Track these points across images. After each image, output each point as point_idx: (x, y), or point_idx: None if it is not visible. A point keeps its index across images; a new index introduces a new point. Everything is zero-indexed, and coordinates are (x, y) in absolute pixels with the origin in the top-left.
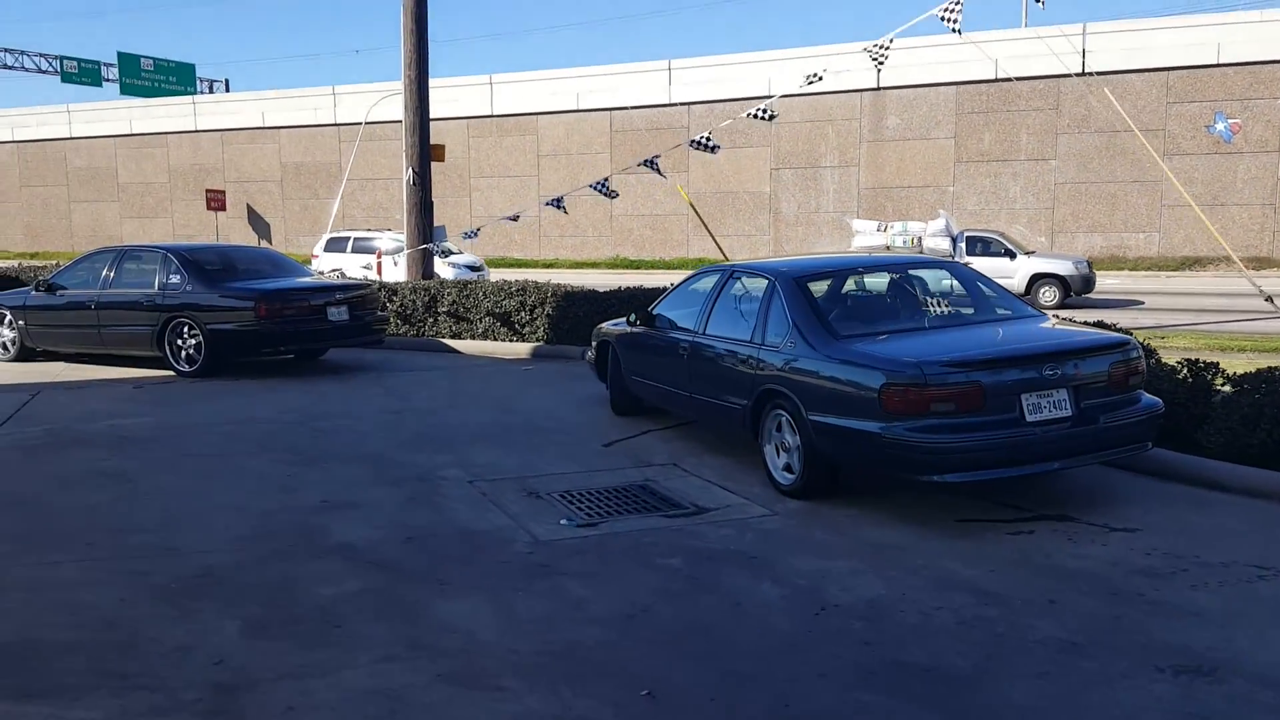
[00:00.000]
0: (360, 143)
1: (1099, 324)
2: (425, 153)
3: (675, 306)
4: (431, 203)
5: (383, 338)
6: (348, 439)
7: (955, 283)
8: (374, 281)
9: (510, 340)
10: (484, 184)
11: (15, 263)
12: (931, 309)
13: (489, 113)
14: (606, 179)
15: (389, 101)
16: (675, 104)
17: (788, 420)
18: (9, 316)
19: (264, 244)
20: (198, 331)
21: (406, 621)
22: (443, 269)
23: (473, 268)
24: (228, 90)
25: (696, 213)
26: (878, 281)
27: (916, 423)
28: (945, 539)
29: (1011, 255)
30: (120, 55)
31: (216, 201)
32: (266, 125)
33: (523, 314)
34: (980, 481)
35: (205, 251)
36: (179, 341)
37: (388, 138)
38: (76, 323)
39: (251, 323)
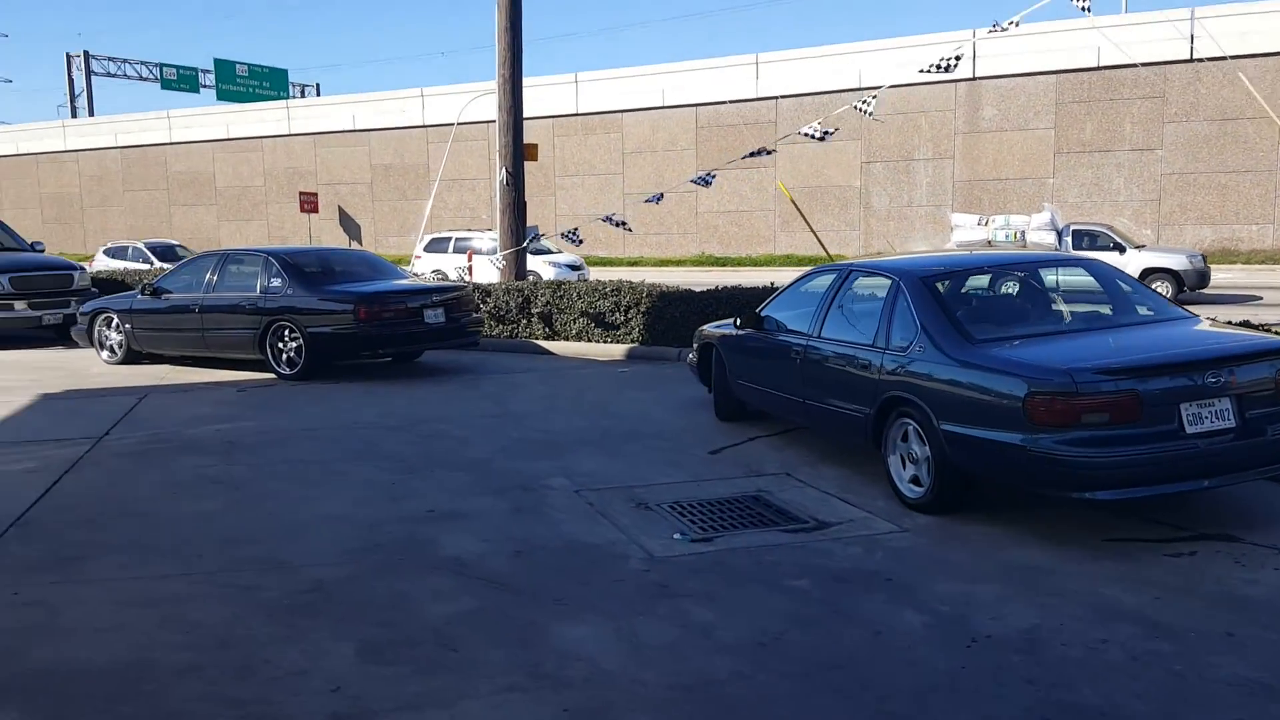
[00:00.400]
0: (449, 143)
1: (1244, 324)
2: (519, 152)
3: (786, 308)
4: (525, 203)
5: (478, 339)
6: (449, 445)
7: (1092, 281)
8: (468, 282)
9: (604, 341)
10: (569, 183)
11: (121, 265)
12: (1068, 310)
13: (573, 111)
14: (709, 173)
15: (477, 102)
16: (763, 98)
17: (915, 430)
18: (116, 320)
19: (354, 245)
20: (298, 334)
21: (525, 646)
22: (543, 268)
23: (573, 267)
24: (318, 94)
25: (798, 209)
26: (1008, 280)
27: (1065, 435)
28: (1096, 561)
29: (1120, 249)
30: (216, 62)
31: (309, 204)
32: (357, 128)
33: (617, 315)
34: (1133, 500)
35: (305, 255)
36: (279, 344)
37: (474, 138)
38: (181, 326)
39: (350, 325)
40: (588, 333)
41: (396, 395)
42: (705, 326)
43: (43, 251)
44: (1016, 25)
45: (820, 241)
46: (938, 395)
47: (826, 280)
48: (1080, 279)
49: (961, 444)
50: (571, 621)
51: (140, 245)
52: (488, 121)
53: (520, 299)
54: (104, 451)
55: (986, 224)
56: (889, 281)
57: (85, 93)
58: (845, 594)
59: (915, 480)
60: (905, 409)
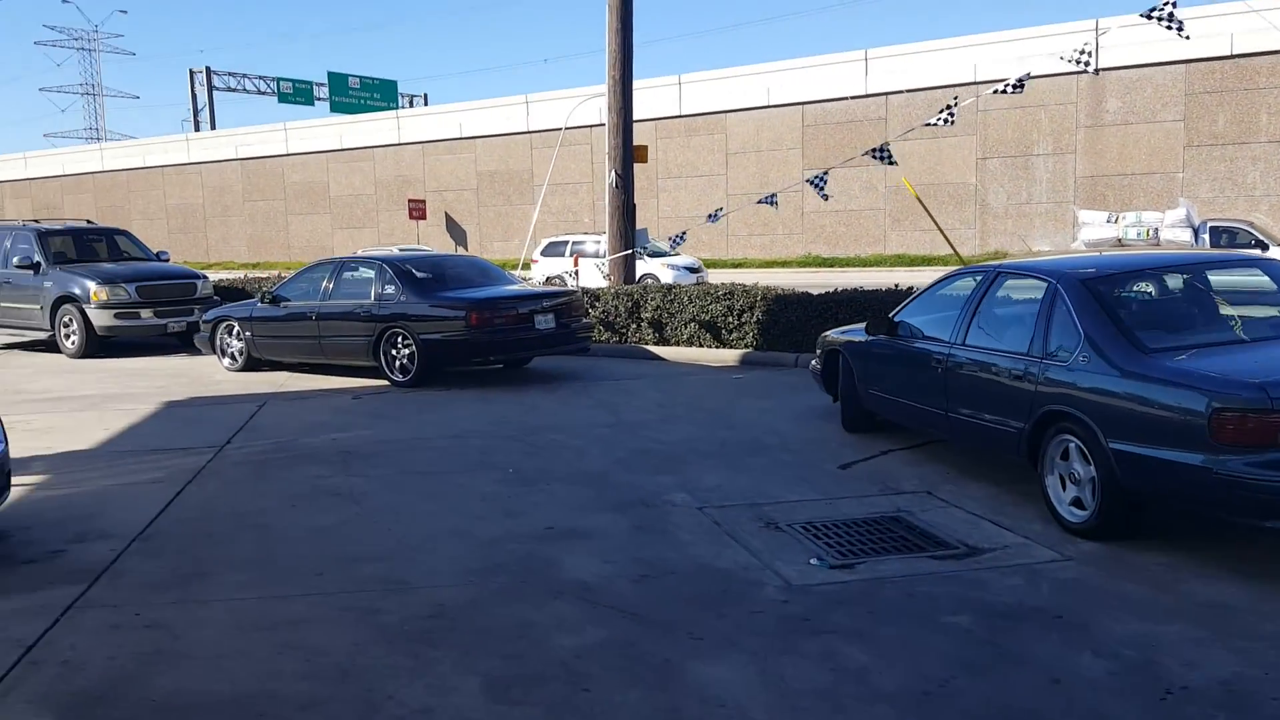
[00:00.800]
0: (557, 148)
1: None
2: (628, 155)
3: (924, 312)
4: (634, 205)
5: (589, 345)
6: (564, 456)
7: (1268, 282)
8: (578, 287)
9: (716, 346)
10: (671, 184)
11: (241, 273)
12: (1244, 315)
13: (677, 113)
14: (824, 174)
15: (581, 108)
16: (872, 95)
17: (1078, 447)
18: (237, 327)
19: (460, 250)
20: (410, 341)
21: (661, 686)
22: (661, 270)
23: (691, 269)
24: (426, 104)
25: (925, 207)
26: (1175, 283)
27: (1257, 456)
28: None
29: (1264, 247)
30: (330, 75)
31: (417, 210)
32: (464, 135)
33: (730, 319)
34: None
35: (418, 261)
36: (393, 351)
37: (577, 143)
38: (298, 334)
39: (462, 332)
40: (699, 338)
41: (509, 403)
42: (830, 332)
43: (168, 261)
44: (1168, 13)
45: (949, 241)
46: (1105, 410)
47: (970, 283)
48: (1254, 280)
49: (1133, 464)
50: (710, 659)
51: (394, 251)
52: (591, 126)
53: (630, 304)
54: (225, 461)
55: (1116, 221)
56: (1044, 284)
57: (207, 107)
58: (1012, 633)
59: (1078, 503)
60: (1066, 424)
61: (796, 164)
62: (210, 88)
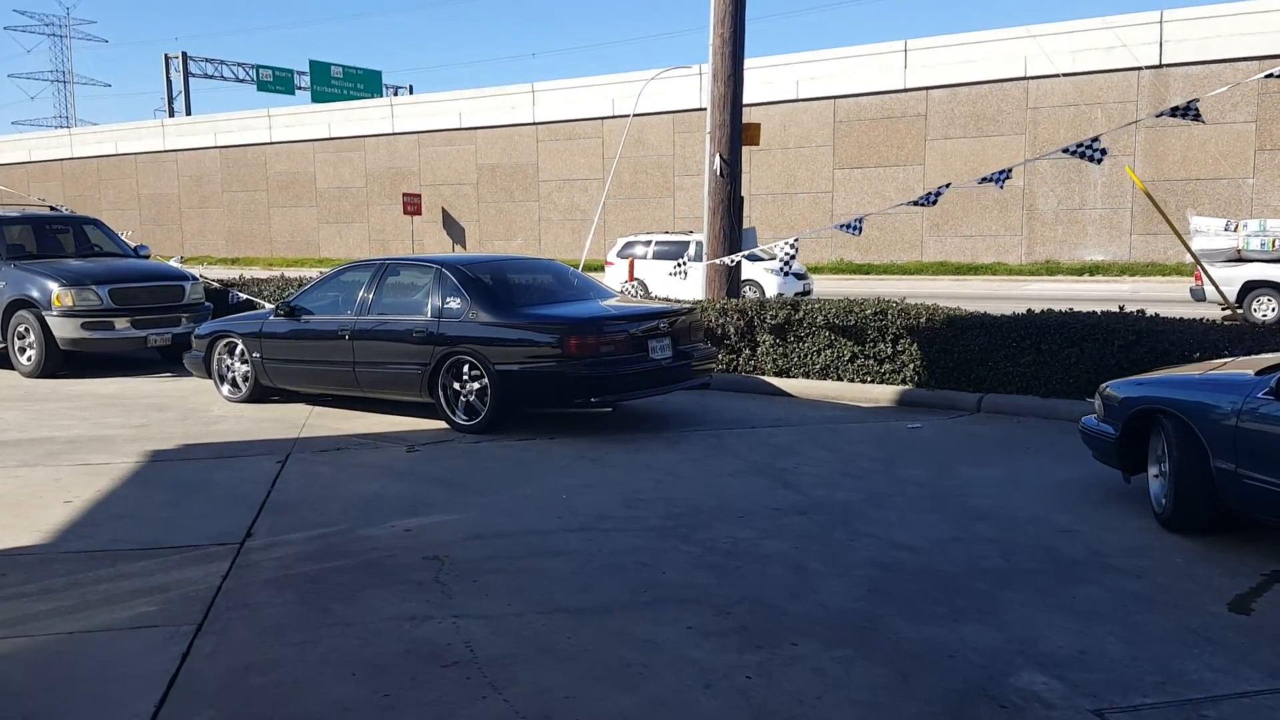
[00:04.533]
0: (556, 141)
1: None
2: (737, 135)
3: None
4: (742, 198)
5: (710, 379)
6: (774, 575)
7: None
8: (697, 302)
9: (859, 379)
10: (688, 182)
11: (235, 273)
12: None
13: (696, 105)
14: (1006, 171)
15: (589, 99)
16: (911, 89)
17: None
18: (241, 346)
19: (459, 249)
20: (482, 373)
21: None
22: (763, 277)
23: (799, 276)
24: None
25: (1152, 200)
26: None
27: None
28: None
29: None
30: (312, 64)
31: (412, 205)
32: (463, 126)
33: (882, 345)
34: None
35: (488, 266)
36: (455, 385)
37: (585, 136)
38: (325, 357)
39: (556, 362)
40: (836, 367)
41: (627, 464)
42: (1117, 385)
43: (148, 258)
44: None
45: (1184, 241)
46: None
47: None
48: None
49: None
50: None
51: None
52: (603, 118)
53: (742, 322)
54: (250, 577)
55: (1236, 229)
56: None
57: (183, 94)
58: None
59: None
60: None
61: (827, 161)
62: (186, 74)
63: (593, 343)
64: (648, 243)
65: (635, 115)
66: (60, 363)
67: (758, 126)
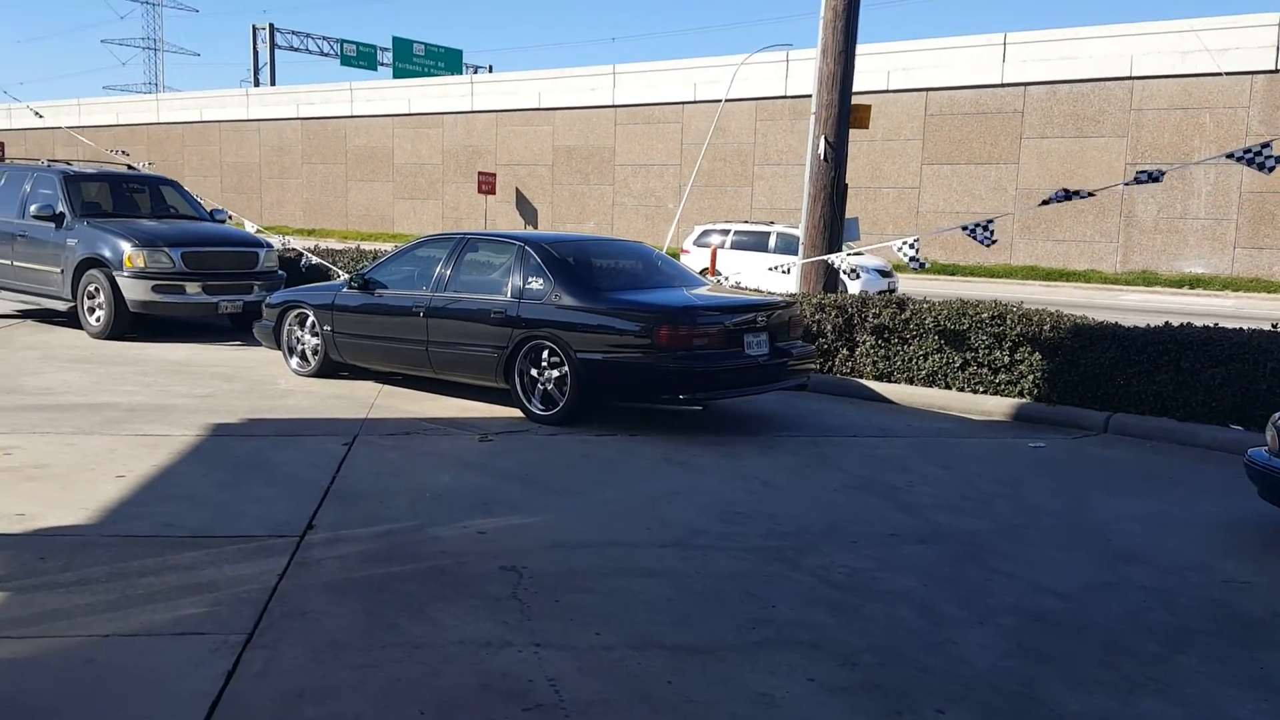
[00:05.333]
0: (634, 125)
1: None
2: (845, 116)
3: None
4: (846, 186)
5: (808, 380)
6: (900, 615)
7: None
8: (794, 296)
9: (970, 389)
10: (768, 172)
11: (310, 243)
12: None
13: (782, 93)
14: (1158, 171)
15: (668, 83)
16: (1009, 84)
17: None
18: (312, 318)
19: (529, 229)
20: (562, 360)
21: None
22: (846, 275)
23: (882, 273)
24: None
25: None
26: None
27: None
28: None
29: None
30: (395, 40)
31: (487, 184)
32: (541, 106)
33: (998, 353)
34: None
35: (573, 246)
36: (533, 371)
37: (664, 120)
38: (398, 335)
39: (644, 353)
40: (945, 374)
41: (719, 470)
42: None
43: (224, 222)
44: None
45: None
46: None
47: None
48: None
49: None
50: None
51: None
52: (683, 103)
53: (840, 320)
54: (308, 578)
55: None
56: None
57: (269, 66)
58: None
59: None
60: None
61: (915, 155)
62: (273, 46)
63: (685, 334)
64: (725, 231)
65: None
66: (129, 325)
67: (868, 109)
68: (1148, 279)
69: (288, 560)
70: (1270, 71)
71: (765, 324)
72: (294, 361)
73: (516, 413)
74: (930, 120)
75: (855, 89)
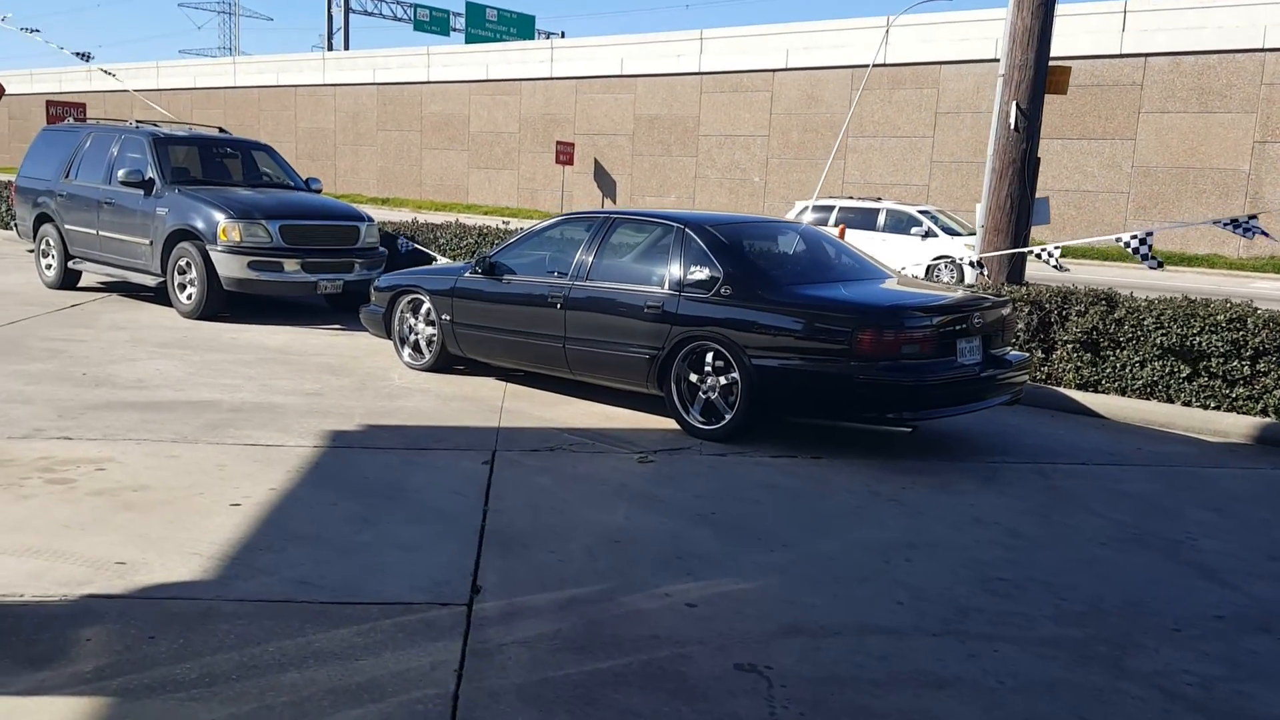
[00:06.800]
0: (721, 94)
1: None
2: (1041, 79)
3: None
4: (1039, 159)
5: (1023, 394)
6: None
7: None
8: (1008, 292)
9: (1201, 404)
10: (863, 144)
11: (396, 215)
12: None
13: (881, 61)
14: None
15: (758, 48)
16: (1128, 55)
17: None
18: (427, 305)
19: (608, 203)
20: (731, 365)
21: None
22: (964, 253)
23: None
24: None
25: None
26: None
27: None
28: None
29: None
30: (468, 4)
31: (565, 154)
32: (624, 73)
33: (1236, 362)
34: None
35: (743, 229)
36: (693, 377)
37: (753, 89)
38: (530, 328)
39: (840, 361)
40: (1166, 386)
41: (940, 510)
42: None
43: (320, 192)
44: None
45: None
46: None
47: None
48: None
49: None
50: None
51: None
52: (774, 71)
53: (1036, 317)
54: (494, 680)
55: None
56: None
57: (343, 30)
58: None
59: None
60: None
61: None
62: (347, 10)
63: (892, 340)
64: (829, 209)
65: (810, 69)
66: (222, 304)
67: (1068, 71)
68: (1278, 265)
69: (461, 646)
70: None
71: (980, 327)
72: (406, 353)
73: (668, 423)
74: None
75: (961, 57)
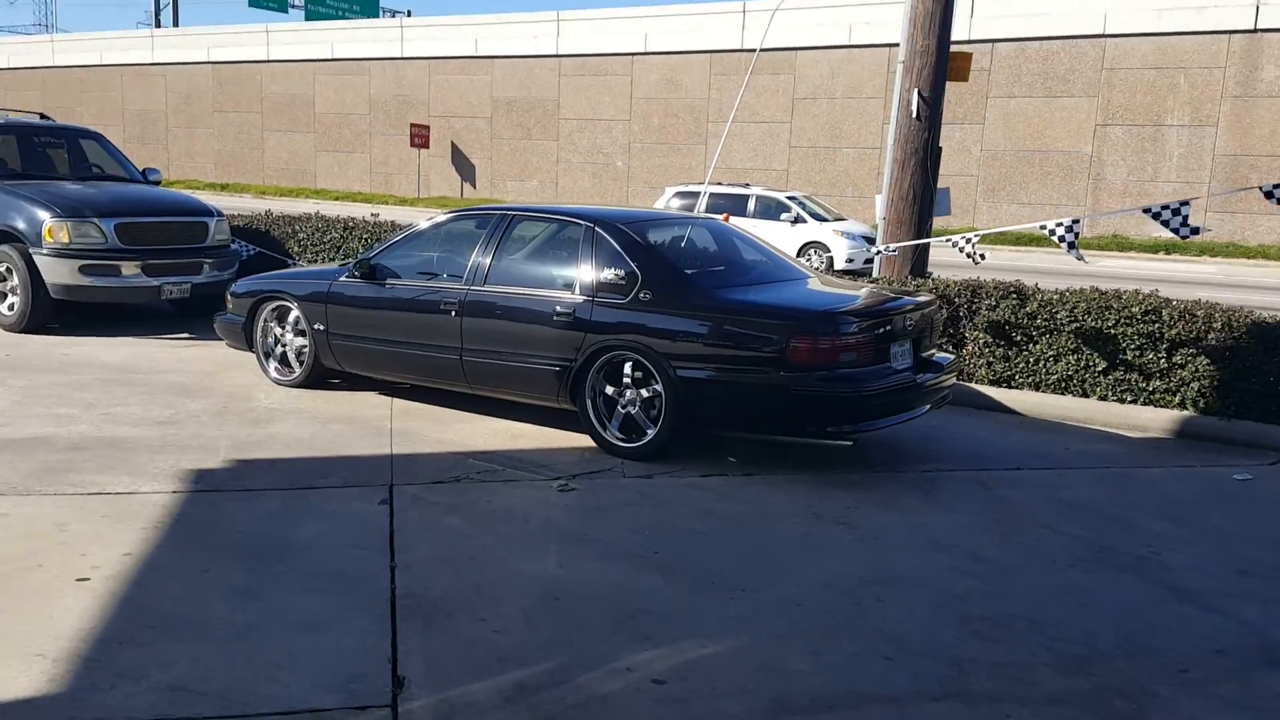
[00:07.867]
0: (581, 77)
1: None
2: (942, 65)
3: None
4: (940, 149)
5: (951, 396)
6: None
7: None
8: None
9: (1114, 396)
10: (722, 130)
11: (235, 202)
12: None
13: (737, 46)
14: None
15: (621, 30)
16: (975, 40)
17: None
18: (295, 313)
19: (468, 186)
20: (654, 377)
21: None
22: (831, 239)
23: (869, 239)
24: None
25: None
26: None
27: None
28: None
29: None
30: None
31: (420, 137)
32: (479, 54)
33: (1151, 354)
34: None
35: (660, 226)
36: (610, 390)
37: (613, 73)
38: (422, 339)
39: (773, 371)
40: (1082, 380)
41: (893, 532)
42: None
43: (159, 184)
44: None
45: None
46: None
47: None
48: None
49: None
50: None
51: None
52: (630, 54)
53: (946, 311)
54: None
55: None
56: None
57: (171, 5)
58: None
59: None
60: None
61: (877, 113)
62: None
63: (829, 346)
64: (696, 195)
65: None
66: (51, 315)
67: (968, 57)
68: (1120, 243)
69: None
70: (1249, 31)
71: (910, 329)
72: (273, 367)
73: (583, 440)
74: (894, 78)
75: (817, 43)
